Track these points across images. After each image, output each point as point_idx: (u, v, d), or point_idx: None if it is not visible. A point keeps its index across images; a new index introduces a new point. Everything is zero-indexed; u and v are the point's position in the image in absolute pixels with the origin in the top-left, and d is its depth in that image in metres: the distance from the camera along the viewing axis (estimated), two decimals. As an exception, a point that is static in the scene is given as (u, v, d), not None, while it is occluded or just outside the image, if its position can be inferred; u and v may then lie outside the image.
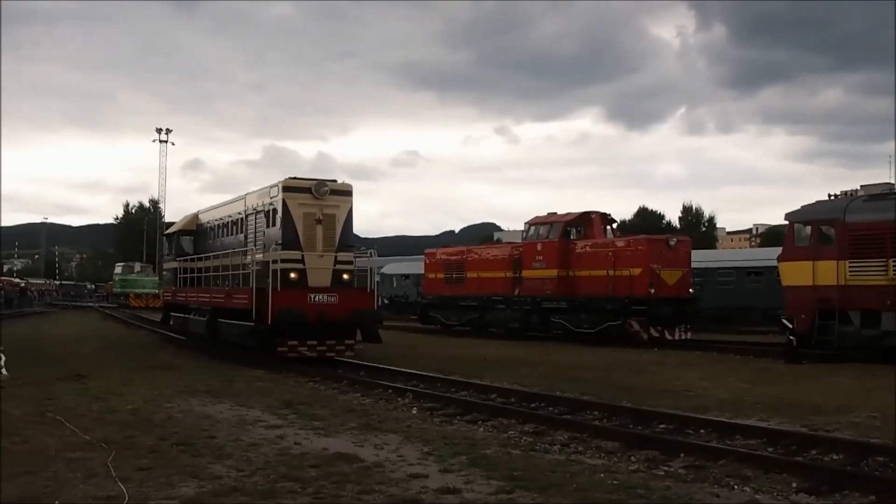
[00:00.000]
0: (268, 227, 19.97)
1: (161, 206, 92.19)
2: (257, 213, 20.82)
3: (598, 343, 26.29)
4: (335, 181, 19.88)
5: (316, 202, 19.29)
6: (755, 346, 23.95)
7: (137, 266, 75.75)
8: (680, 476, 8.40)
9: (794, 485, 7.96)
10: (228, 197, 24.78)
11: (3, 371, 17.03)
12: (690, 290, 27.19)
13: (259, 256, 19.63)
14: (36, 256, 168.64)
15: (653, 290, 25.58)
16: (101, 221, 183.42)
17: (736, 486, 7.97)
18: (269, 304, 18.18)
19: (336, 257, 19.45)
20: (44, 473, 8.21)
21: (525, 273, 29.83)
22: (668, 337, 25.71)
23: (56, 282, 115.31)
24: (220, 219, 24.18)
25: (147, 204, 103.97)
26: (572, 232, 29.17)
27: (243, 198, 22.13)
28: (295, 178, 19.68)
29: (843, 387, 15.60)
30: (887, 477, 8.29)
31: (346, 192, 19.96)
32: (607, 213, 29.70)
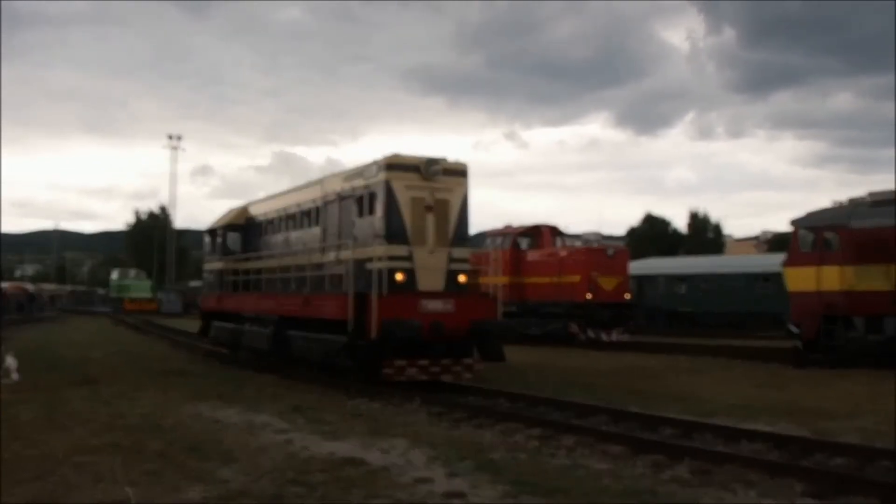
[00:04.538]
0: (360, 216, 16.41)
1: (171, 211, 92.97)
2: (343, 199, 17.21)
3: (608, 348, 26.91)
4: (445, 159, 16.20)
5: (425, 184, 15.72)
6: (763, 352, 23.96)
7: (132, 272, 79.83)
8: (685, 480, 8.42)
9: (799, 489, 7.97)
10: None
11: (14, 375, 17.13)
12: (627, 296, 29.99)
13: (347, 253, 15.98)
14: (47, 262, 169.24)
15: (590, 296, 28.31)
16: (113, 227, 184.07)
17: (741, 491, 7.99)
18: (372, 314, 14.78)
19: (450, 254, 15.92)
20: (52, 477, 8.28)
21: (481, 280, 31.82)
22: (605, 338, 28.24)
23: (67, 287, 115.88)
24: (283, 209, 20.51)
25: (157, 210, 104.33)
26: (524, 243, 32.12)
27: (319, 182, 18.57)
28: (398, 154, 15.92)
29: (851, 392, 15.57)
30: (892, 482, 8.29)
31: (462, 173, 16.29)
32: (556, 225, 32.43)
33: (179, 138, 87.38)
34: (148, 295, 75.49)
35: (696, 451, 9.57)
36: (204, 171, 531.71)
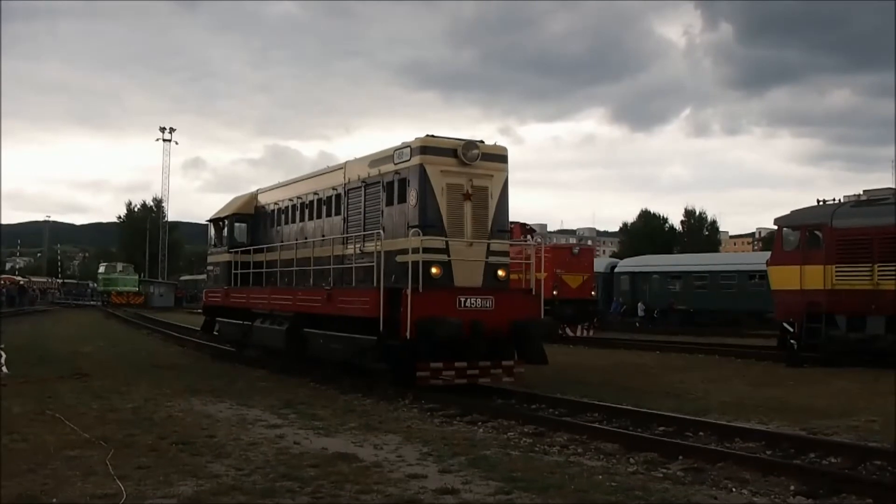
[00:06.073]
0: (389, 204, 15.22)
1: (164, 204, 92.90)
2: (368, 186, 15.96)
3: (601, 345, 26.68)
4: (483, 142, 15.00)
5: (463, 170, 14.46)
6: (756, 350, 24.03)
7: (119, 266, 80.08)
8: (678, 478, 8.41)
9: (792, 488, 7.96)
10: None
11: (4, 369, 17.06)
12: (592, 293, 31.59)
13: (374, 245, 14.58)
14: (39, 255, 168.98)
15: (555, 293, 28.93)
16: (105, 220, 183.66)
17: (734, 489, 7.98)
18: (407, 312, 13.54)
19: (489, 246, 14.76)
20: (43, 471, 8.23)
21: None
22: (571, 334, 29.78)
23: (58, 280, 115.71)
24: (298, 197, 19.12)
25: (150, 203, 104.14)
26: None
27: (342, 167, 17.16)
28: (433, 136, 14.62)
29: (844, 390, 15.60)
30: (885, 480, 8.31)
31: (502, 158, 15.06)
32: (526, 223, 32.90)
33: (172, 130, 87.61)
34: (135, 288, 76.49)
35: (689, 449, 9.57)
36: (196, 164, 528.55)
